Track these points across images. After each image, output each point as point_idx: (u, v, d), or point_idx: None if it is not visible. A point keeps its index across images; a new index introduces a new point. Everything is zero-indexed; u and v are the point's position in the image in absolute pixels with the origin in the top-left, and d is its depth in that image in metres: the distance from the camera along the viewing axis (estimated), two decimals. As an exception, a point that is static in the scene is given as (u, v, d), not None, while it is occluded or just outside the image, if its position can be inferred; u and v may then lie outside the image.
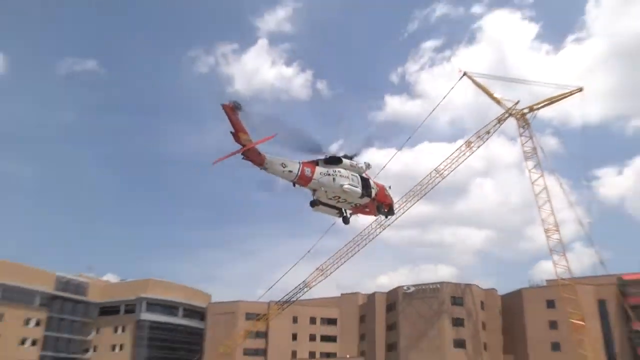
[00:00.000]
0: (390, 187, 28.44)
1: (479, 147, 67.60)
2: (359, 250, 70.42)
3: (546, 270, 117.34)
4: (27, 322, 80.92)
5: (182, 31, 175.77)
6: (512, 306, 77.77)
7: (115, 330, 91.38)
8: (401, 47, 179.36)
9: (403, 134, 72.36)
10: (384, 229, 69.43)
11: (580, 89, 62.78)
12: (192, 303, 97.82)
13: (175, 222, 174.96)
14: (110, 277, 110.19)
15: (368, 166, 26.43)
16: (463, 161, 67.58)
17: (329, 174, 24.01)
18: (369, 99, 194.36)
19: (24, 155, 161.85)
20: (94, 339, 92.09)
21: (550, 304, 71.37)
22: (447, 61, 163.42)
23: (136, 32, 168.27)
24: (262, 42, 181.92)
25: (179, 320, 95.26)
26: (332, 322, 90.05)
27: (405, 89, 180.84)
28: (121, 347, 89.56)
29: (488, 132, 67.27)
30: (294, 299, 74.88)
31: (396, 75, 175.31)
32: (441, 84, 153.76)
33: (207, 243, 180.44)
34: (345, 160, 24.83)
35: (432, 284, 79.91)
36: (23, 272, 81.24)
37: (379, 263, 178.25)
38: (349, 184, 24.34)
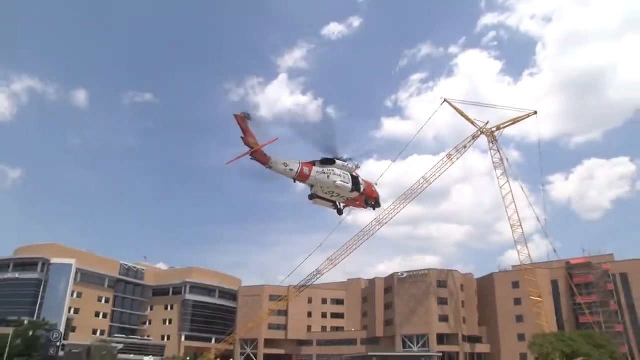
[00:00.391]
0: (376, 184, 32.69)
1: (457, 158, 77.27)
2: (361, 244, 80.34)
3: (512, 257, 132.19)
4: (99, 299, 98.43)
5: (219, 69, 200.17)
6: (485, 287, 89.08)
7: (166, 308, 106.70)
8: (394, 79, 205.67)
9: (397, 149, 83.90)
10: (382, 226, 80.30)
11: (535, 112, 72.92)
12: (226, 287, 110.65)
13: (211, 220, 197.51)
14: (161, 265, 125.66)
15: (357, 166, 30.02)
16: (445, 170, 77.11)
17: (324, 172, 27.49)
18: (369, 120, 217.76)
19: (98, 169, 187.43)
20: (150, 314, 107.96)
21: (515, 284, 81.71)
22: (430, 90, 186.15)
23: (182, 71, 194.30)
24: (283, 77, 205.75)
25: (215, 300, 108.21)
26: (340, 302, 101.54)
27: (398, 112, 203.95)
28: (170, 322, 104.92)
29: (465, 147, 77.06)
30: (309, 283, 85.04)
31: (390, 102, 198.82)
32: (426, 108, 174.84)
33: (237, 238, 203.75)
34: (338, 161, 28.42)
35: (421, 270, 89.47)
36: (96, 261, 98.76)
37: (378, 254, 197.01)
38: (341, 181, 27.77)
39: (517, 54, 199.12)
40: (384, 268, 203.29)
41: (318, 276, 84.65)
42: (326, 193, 28.52)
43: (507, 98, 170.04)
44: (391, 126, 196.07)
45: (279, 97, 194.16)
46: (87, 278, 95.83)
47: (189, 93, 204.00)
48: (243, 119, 22.64)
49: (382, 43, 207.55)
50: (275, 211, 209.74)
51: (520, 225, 73.31)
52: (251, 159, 23.05)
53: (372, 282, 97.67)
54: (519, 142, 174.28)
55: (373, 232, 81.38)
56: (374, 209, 33.84)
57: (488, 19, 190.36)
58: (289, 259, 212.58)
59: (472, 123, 76.84)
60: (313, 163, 27.25)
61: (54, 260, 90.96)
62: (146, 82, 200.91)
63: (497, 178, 75.28)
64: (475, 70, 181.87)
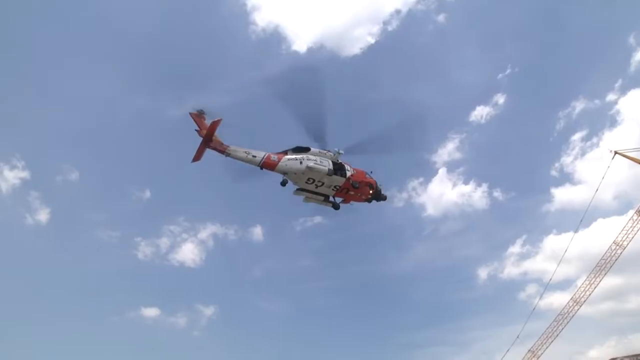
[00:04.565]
0: (372, 172, 31.36)
1: (650, 213, 69.22)
2: (562, 329, 75.00)
3: None
4: None
5: (380, 179, 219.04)
6: None
7: None
8: (554, 145, 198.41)
9: (575, 218, 77.57)
10: (580, 306, 74.80)
11: None
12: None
13: (401, 327, 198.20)
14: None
15: (338, 153, 29.23)
16: (639, 229, 70.39)
17: (297, 159, 27.06)
18: (538, 194, 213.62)
19: (281, 294, 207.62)
20: None
21: None
22: (596, 147, 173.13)
23: None
24: (442, 171, 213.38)
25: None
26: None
27: (567, 179, 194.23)
28: None
29: (654, 198, 69.82)
30: (514, 381, 78.55)
31: (555, 170, 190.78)
32: (597, 167, 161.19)
33: (431, 341, 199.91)
34: (313, 149, 27.98)
35: (646, 352, 77.42)
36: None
37: (584, 338, 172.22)
38: (315, 163, 27.07)
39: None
40: (596, 354, 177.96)
41: (522, 372, 78.67)
42: (307, 183, 27.11)
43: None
44: (563, 195, 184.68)
45: (442, 192, 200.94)
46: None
47: (355, 207, 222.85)
48: (198, 116, 24.83)
49: (532, 112, 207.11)
50: (466, 307, 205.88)
51: None
52: (206, 146, 24.50)
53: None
54: None
55: (572, 314, 75.64)
56: (378, 201, 31.95)
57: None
58: (488, 355, 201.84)
59: (655, 170, 70.57)
60: (285, 152, 26.82)
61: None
62: (314, 207, 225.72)
63: None
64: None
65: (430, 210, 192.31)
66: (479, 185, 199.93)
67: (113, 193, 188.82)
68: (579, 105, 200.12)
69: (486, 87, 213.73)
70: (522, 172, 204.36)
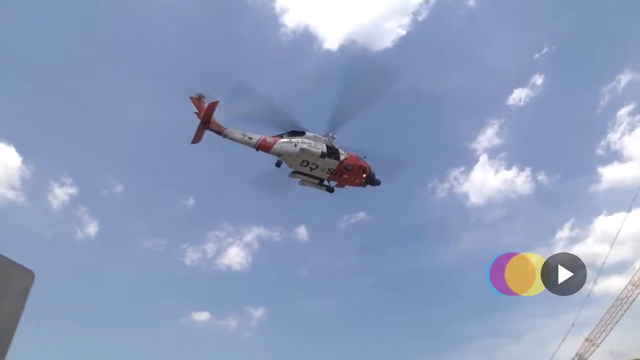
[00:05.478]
0: (365, 157, 31.51)
1: None
2: (621, 315, 71.15)
3: None
4: None
5: (421, 171, 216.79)
6: None
7: None
8: (598, 122, 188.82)
9: (627, 196, 72.21)
10: None
11: None
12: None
13: (450, 319, 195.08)
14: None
15: (332, 137, 29.81)
16: None
17: (291, 142, 27.80)
18: (585, 175, 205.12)
19: (327, 293, 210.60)
20: None
21: None
22: None
23: (389, 188, 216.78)
24: (483, 158, 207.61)
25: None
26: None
27: (614, 156, 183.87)
28: None
29: None
30: (572, 372, 74.20)
31: (601, 148, 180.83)
32: None
33: (482, 332, 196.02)
34: (308, 133, 28.71)
35: None
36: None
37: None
38: (308, 146, 27.72)
39: None
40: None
41: (581, 362, 74.93)
42: (302, 165, 27.68)
43: None
44: (611, 174, 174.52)
45: (484, 180, 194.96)
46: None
47: (395, 205, 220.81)
48: (198, 99, 25.69)
49: (573, 90, 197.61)
50: (517, 296, 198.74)
51: None
52: (205, 128, 25.37)
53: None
54: None
55: (632, 299, 71.53)
56: (373, 185, 32.57)
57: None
58: (543, 345, 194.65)
59: None
60: (281, 135, 27.32)
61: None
62: (358, 205, 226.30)
63: None
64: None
65: (474, 198, 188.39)
66: (522, 169, 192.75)
67: (157, 203, 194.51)
68: (624, 78, 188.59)
69: (523, 69, 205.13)
70: (566, 153, 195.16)
